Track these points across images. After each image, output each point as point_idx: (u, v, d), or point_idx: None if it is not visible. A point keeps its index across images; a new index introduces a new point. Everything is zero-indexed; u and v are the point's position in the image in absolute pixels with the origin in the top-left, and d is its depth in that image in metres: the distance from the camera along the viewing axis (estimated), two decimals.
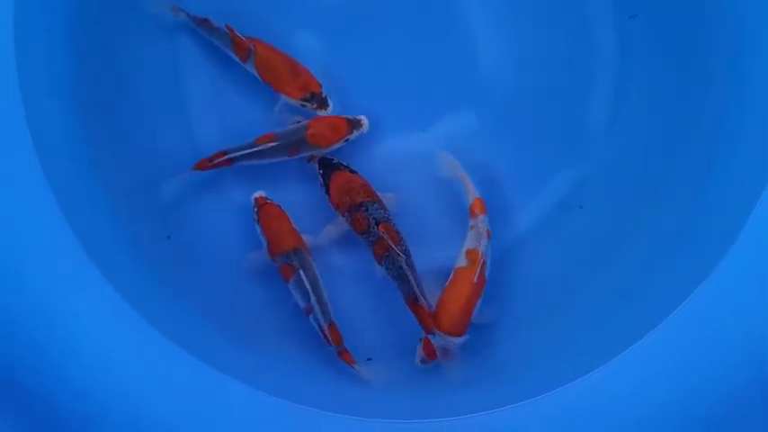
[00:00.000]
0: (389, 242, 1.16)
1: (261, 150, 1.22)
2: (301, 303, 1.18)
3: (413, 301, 1.15)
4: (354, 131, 1.25)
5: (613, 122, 1.31)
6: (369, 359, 1.19)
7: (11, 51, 1.11)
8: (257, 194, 1.24)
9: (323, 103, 1.24)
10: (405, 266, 1.15)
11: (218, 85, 1.29)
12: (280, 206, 1.23)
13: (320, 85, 1.25)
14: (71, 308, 1.07)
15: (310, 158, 1.25)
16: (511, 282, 1.25)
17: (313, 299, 1.16)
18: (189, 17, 1.26)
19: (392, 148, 1.30)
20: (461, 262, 1.20)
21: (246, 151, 1.22)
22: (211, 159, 1.22)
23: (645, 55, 1.30)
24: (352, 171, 1.24)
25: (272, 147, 1.22)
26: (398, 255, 1.15)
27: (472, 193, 1.23)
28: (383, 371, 1.17)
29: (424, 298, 1.15)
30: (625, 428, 1.09)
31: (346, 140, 1.25)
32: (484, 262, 1.19)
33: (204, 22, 1.25)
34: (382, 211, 1.20)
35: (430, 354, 1.17)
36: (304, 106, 1.24)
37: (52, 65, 1.18)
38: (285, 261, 1.19)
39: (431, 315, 1.15)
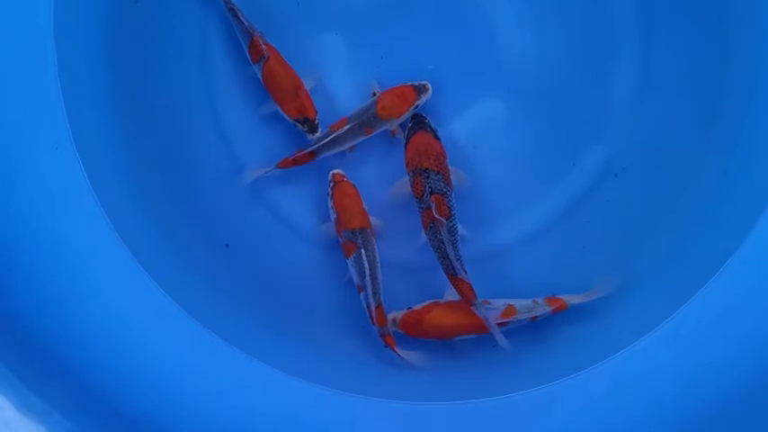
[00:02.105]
0: (435, 213, 1.17)
1: (338, 136, 1.25)
2: (356, 280, 1.22)
3: (452, 275, 1.17)
4: (422, 96, 1.27)
5: (640, 94, 1.29)
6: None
7: (54, 69, 1.15)
8: (335, 171, 1.27)
9: (313, 129, 1.25)
10: (445, 240, 1.16)
11: (253, 93, 1.30)
12: (354, 186, 1.27)
13: (316, 112, 1.26)
14: (122, 310, 1.13)
15: (394, 134, 1.29)
16: (550, 257, 1.27)
17: (368, 277, 1.20)
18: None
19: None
20: (496, 303, 1.20)
21: (325, 140, 1.24)
22: (294, 157, 1.25)
23: (667, 24, 1.27)
24: (437, 137, 1.25)
25: (348, 129, 1.24)
26: (441, 226, 1.17)
27: (574, 299, 1.21)
28: (424, 355, 1.19)
29: (464, 272, 1.16)
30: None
31: (416, 107, 1.27)
32: (507, 322, 1.18)
33: (233, 11, 1.26)
34: (441, 184, 1.20)
35: (380, 323, 1.20)
36: (295, 126, 1.26)
37: (93, 76, 1.23)
38: (349, 238, 1.23)
39: (470, 288, 1.16)
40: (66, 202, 1.14)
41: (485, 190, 1.29)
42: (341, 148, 1.26)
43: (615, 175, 1.28)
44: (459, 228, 1.21)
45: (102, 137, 1.21)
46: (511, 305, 1.20)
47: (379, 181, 1.29)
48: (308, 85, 1.27)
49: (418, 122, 1.26)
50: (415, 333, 1.21)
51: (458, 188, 1.24)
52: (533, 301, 1.20)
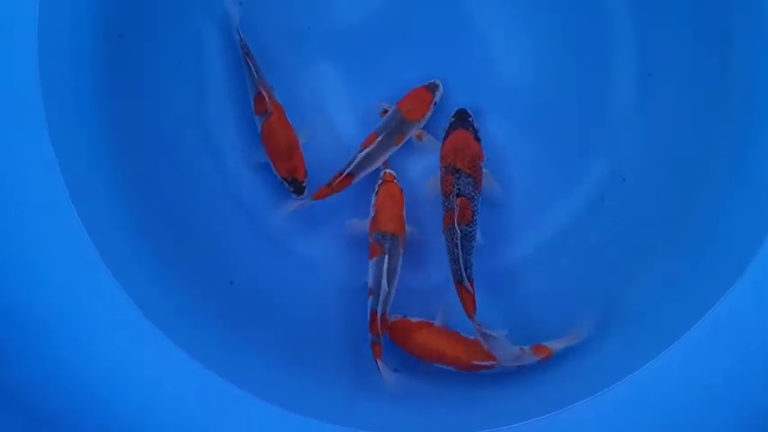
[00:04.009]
0: (456, 217, 1.15)
1: (371, 151, 1.23)
2: (370, 282, 1.19)
3: (458, 281, 1.15)
4: (436, 93, 1.27)
5: (640, 106, 1.27)
6: (395, 370, 1.19)
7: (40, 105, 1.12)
8: (388, 171, 1.26)
9: (299, 190, 1.25)
10: (459, 245, 1.14)
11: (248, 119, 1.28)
12: (402, 191, 1.25)
13: (305, 175, 1.25)
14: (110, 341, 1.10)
15: (419, 138, 1.28)
16: (557, 275, 1.25)
17: (383, 285, 1.18)
18: (241, 42, 1.25)
19: (417, 162, 1.29)
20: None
21: (359, 158, 1.23)
22: (330, 184, 1.23)
23: (663, 33, 1.26)
24: (477, 137, 1.24)
25: (380, 142, 1.23)
26: (457, 231, 1.14)
27: (558, 344, 1.18)
28: (402, 381, 1.17)
29: (470, 283, 1.14)
30: None
31: (435, 104, 1.27)
32: (491, 365, 1.16)
33: (248, 57, 1.25)
34: (470, 188, 1.18)
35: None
36: (282, 184, 1.25)
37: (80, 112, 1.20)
38: (378, 240, 1.21)
39: (472, 300, 1.14)
40: (63, 251, 1.11)
41: (490, 208, 1.27)
42: (376, 165, 1.25)
43: (623, 179, 1.27)
44: (477, 235, 1.19)
45: (97, 180, 1.19)
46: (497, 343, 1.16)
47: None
48: (301, 140, 1.27)
49: (461, 118, 1.25)
50: (399, 342, 1.20)
51: (488, 194, 1.23)
52: (520, 349, 1.16)
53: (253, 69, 1.25)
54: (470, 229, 1.17)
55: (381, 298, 1.18)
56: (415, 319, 1.21)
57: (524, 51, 1.30)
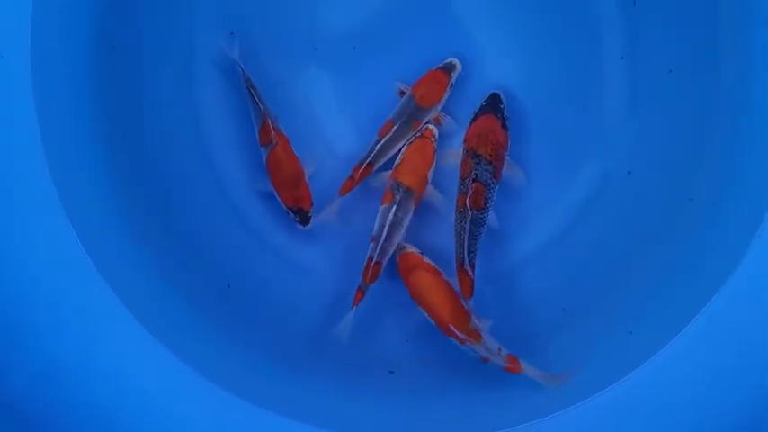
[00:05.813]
0: (468, 201, 1.16)
1: (389, 140, 1.24)
2: (374, 229, 1.21)
3: (460, 263, 1.16)
4: (453, 74, 1.26)
5: (631, 110, 1.27)
6: (391, 372, 1.21)
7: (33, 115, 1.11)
8: (431, 127, 1.26)
9: (305, 220, 1.25)
10: (467, 230, 1.16)
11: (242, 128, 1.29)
12: (435, 152, 1.25)
13: (311, 205, 1.24)
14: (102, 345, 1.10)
15: (439, 122, 1.27)
16: (554, 275, 1.26)
17: (384, 232, 1.19)
18: (243, 75, 1.25)
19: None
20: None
21: (378, 148, 1.24)
22: (353, 177, 1.24)
23: (654, 38, 1.26)
24: (505, 126, 1.23)
25: (397, 130, 1.24)
26: (467, 214, 1.16)
27: (530, 371, 1.14)
28: (347, 334, 1.19)
29: (471, 267, 1.15)
30: None
31: (451, 87, 1.26)
32: (465, 340, 1.15)
33: (252, 89, 1.24)
34: (488, 175, 1.19)
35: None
36: (288, 213, 1.25)
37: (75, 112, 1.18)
38: (393, 188, 1.22)
39: (470, 284, 1.15)
40: (55, 259, 1.10)
41: (502, 200, 1.26)
42: (393, 152, 1.26)
43: (628, 172, 1.26)
44: (493, 218, 1.20)
45: (92, 186, 1.17)
46: (479, 332, 1.16)
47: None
48: (307, 171, 1.26)
49: (492, 104, 1.24)
50: (402, 274, 1.21)
51: (512, 182, 1.25)
52: (498, 347, 1.15)
53: (257, 101, 1.25)
54: (481, 216, 1.18)
55: (380, 246, 1.19)
56: (428, 261, 1.21)
57: (516, 54, 1.30)
